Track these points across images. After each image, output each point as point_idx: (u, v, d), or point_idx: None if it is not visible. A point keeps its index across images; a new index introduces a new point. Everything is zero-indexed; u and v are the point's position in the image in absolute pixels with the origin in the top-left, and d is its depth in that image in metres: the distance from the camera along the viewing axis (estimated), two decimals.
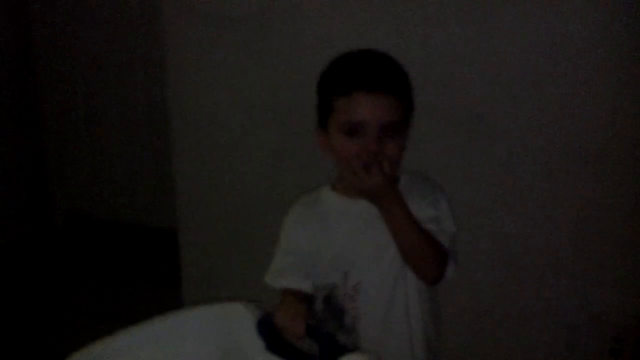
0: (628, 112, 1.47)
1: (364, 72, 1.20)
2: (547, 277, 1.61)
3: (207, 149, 1.96)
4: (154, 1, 2.47)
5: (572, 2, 1.46)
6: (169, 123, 2.02)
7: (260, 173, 1.90)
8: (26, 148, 3.54)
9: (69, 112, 3.56)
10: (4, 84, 3.37)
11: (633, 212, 1.52)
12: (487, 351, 1.71)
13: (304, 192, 1.41)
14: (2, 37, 3.34)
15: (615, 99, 1.47)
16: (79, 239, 3.55)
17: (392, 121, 1.18)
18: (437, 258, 1.19)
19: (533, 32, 1.50)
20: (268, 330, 1.12)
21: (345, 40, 1.61)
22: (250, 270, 1.99)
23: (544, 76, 1.52)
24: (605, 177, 1.52)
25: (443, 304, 1.36)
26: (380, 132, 1.16)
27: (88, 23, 3.36)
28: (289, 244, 1.32)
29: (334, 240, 1.27)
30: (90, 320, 2.63)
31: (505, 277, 1.65)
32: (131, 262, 3.22)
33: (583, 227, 1.56)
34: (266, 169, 1.89)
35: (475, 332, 1.71)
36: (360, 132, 1.17)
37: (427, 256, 1.18)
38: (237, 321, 1.15)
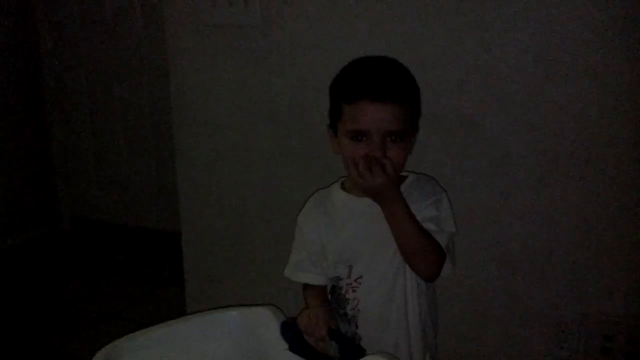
0: (624, 113, 1.49)
1: (370, 80, 1.26)
2: (539, 277, 1.64)
3: (209, 152, 1.98)
4: (156, 7, 2.50)
5: (569, 3, 1.48)
6: (171, 127, 2.06)
7: (262, 175, 1.92)
8: (33, 153, 3.57)
9: (74, 116, 3.58)
10: (10, 87, 3.41)
11: (623, 213, 1.54)
12: (478, 348, 1.75)
13: (304, 194, 1.48)
14: (8, 41, 3.39)
15: (612, 101, 1.49)
16: (85, 242, 3.58)
17: (397, 129, 1.23)
18: (434, 256, 1.25)
19: (528, 33, 1.52)
20: (291, 332, 1.19)
21: (345, 47, 1.64)
22: (252, 271, 2.04)
23: (540, 78, 1.54)
24: (596, 179, 1.54)
25: (437, 301, 1.41)
26: (385, 138, 1.23)
27: (92, 29, 3.39)
28: (302, 238, 1.40)
29: (340, 235, 1.34)
30: (96, 320, 2.67)
31: (497, 276, 1.68)
32: (136, 264, 3.25)
33: (575, 228, 1.59)
34: (267, 172, 1.91)
35: (466, 329, 1.74)
36: (365, 138, 1.23)
37: (424, 253, 1.24)
38: (263, 323, 1.22)
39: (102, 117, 3.53)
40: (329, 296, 1.38)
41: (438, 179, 1.42)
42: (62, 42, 3.51)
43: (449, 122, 1.63)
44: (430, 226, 1.25)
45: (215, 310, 1.28)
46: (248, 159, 1.94)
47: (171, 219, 2.44)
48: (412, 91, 1.30)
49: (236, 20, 1.82)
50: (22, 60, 3.47)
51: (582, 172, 1.55)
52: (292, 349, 1.17)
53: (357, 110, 1.23)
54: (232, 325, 1.24)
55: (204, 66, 1.93)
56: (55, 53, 3.54)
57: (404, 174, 1.34)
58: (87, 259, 3.36)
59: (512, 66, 1.55)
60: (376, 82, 1.25)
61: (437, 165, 1.63)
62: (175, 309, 2.28)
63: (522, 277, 1.66)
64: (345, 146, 1.27)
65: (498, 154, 1.61)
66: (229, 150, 1.96)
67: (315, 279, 1.38)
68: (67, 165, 3.69)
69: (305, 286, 1.41)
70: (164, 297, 2.85)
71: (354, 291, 1.33)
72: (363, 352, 1.13)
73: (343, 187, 1.38)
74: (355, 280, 1.32)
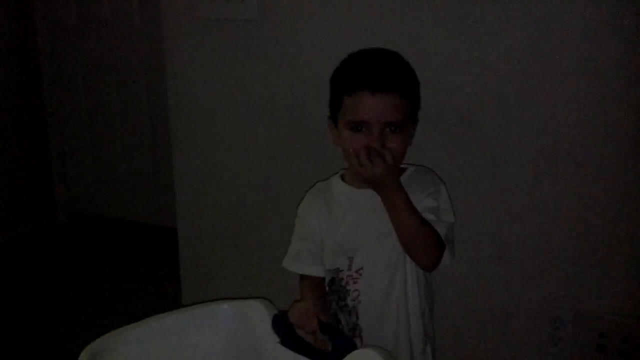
0: (622, 110, 1.49)
1: (369, 72, 1.27)
2: (534, 273, 1.64)
3: (206, 148, 1.98)
4: (154, 4, 2.49)
5: (567, 2, 1.48)
6: (168, 123, 2.06)
7: (258, 171, 1.92)
8: (30, 147, 3.57)
9: (72, 112, 3.58)
10: (9, 84, 3.42)
11: (620, 210, 1.54)
12: (473, 344, 1.75)
13: (302, 190, 1.48)
14: (7, 37, 3.39)
15: (610, 98, 1.49)
16: (81, 236, 3.58)
17: (396, 120, 1.24)
18: (434, 245, 1.26)
19: (526, 33, 1.52)
20: (282, 325, 1.18)
21: (343, 43, 1.63)
22: (247, 267, 2.04)
23: (538, 77, 1.54)
24: (594, 178, 1.54)
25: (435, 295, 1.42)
26: (384, 129, 1.24)
27: (90, 25, 3.39)
28: (302, 229, 1.41)
29: (340, 227, 1.35)
30: (91, 315, 2.67)
31: (493, 273, 1.68)
32: (132, 259, 3.25)
33: (571, 225, 1.59)
34: (263, 167, 1.91)
35: (462, 325, 1.74)
36: (364, 129, 1.24)
37: (423, 243, 1.25)
38: (254, 316, 1.22)
39: (99, 112, 3.53)
40: (327, 288, 1.38)
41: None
42: (60, 39, 3.51)
43: (447, 120, 1.64)
44: (429, 216, 1.26)
45: (206, 303, 1.28)
46: (245, 155, 1.94)
47: (167, 214, 2.43)
48: (412, 83, 1.31)
49: (233, 15, 1.82)
50: (20, 57, 3.47)
51: (580, 170, 1.55)
52: (284, 342, 1.17)
53: (356, 102, 1.25)
54: (224, 318, 1.24)
55: (201, 62, 1.93)
56: (54, 50, 3.54)
57: (404, 166, 1.35)
58: (84, 254, 3.36)
59: (510, 64, 1.55)
60: (375, 73, 1.26)
61: (435, 162, 1.62)
62: (172, 304, 2.27)
63: (517, 274, 1.66)
64: (345, 137, 1.28)
65: (496, 151, 1.62)
66: (226, 146, 1.96)
67: (314, 270, 1.39)
68: (64, 160, 3.69)
69: (302, 278, 1.42)
70: (160, 292, 2.85)
71: (354, 282, 1.33)
72: (354, 346, 1.13)
73: (343, 179, 1.39)
74: (356, 272, 1.33)
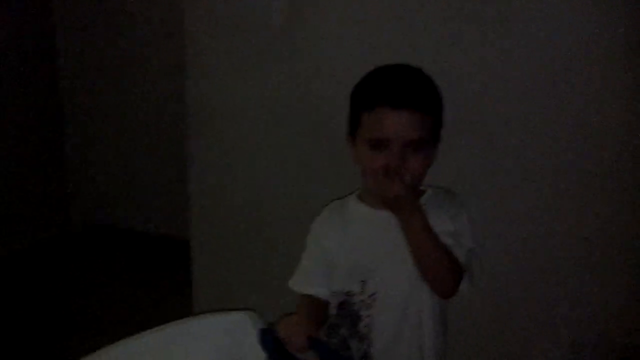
0: (628, 112, 1.47)
1: (390, 88, 1.23)
2: (554, 292, 1.60)
3: (223, 157, 1.96)
4: (175, 9, 2.47)
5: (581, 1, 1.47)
6: (185, 132, 2.03)
7: (275, 182, 1.90)
8: (46, 154, 3.58)
9: (89, 120, 3.61)
10: (27, 91, 3.43)
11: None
12: None
13: (319, 202, 1.44)
14: (25, 42, 3.39)
15: (623, 102, 1.47)
16: (95, 246, 3.57)
17: (417, 138, 1.20)
18: (452, 271, 1.20)
19: (539, 35, 1.50)
20: (271, 341, 1.12)
21: (367, 52, 1.63)
22: (261, 280, 2.00)
23: (551, 80, 1.52)
24: (618, 190, 1.51)
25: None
26: (405, 147, 1.19)
27: (111, 30, 3.42)
28: (315, 249, 1.36)
29: (355, 248, 1.30)
30: (103, 326, 2.65)
31: (510, 290, 1.64)
32: (145, 270, 3.24)
33: (593, 241, 1.55)
34: (282, 178, 1.88)
35: (477, 346, 1.69)
36: (384, 146, 1.20)
37: (442, 269, 1.19)
38: (241, 331, 1.16)
39: (115, 122, 3.56)
40: (335, 311, 1.32)
41: (444, 183, 1.38)
42: (79, 44, 3.53)
43: (456, 127, 1.59)
44: (448, 240, 1.21)
45: (191, 317, 1.23)
46: (262, 165, 1.92)
47: (181, 226, 2.41)
48: (434, 100, 1.26)
49: (259, 20, 1.79)
50: (38, 61, 3.49)
51: (605, 180, 1.52)
52: (272, 358, 1.11)
53: (376, 118, 1.21)
54: (209, 332, 1.18)
55: (222, 68, 1.90)
56: (72, 55, 3.56)
57: (423, 187, 1.30)
58: (97, 263, 3.36)
59: (520, 71, 1.54)
60: (396, 89, 1.22)
61: (446, 169, 1.59)
62: (184, 316, 2.24)
63: (535, 291, 1.62)
64: (363, 155, 1.24)
65: (510, 158, 1.59)
66: (243, 156, 1.94)
67: (321, 292, 1.32)
68: (79, 170, 3.70)
69: (303, 296, 1.34)
70: (173, 303, 2.81)
71: (367, 308, 1.28)
72: None
73: (360, 199, 1.35)
74: (370, 297, 1.28)
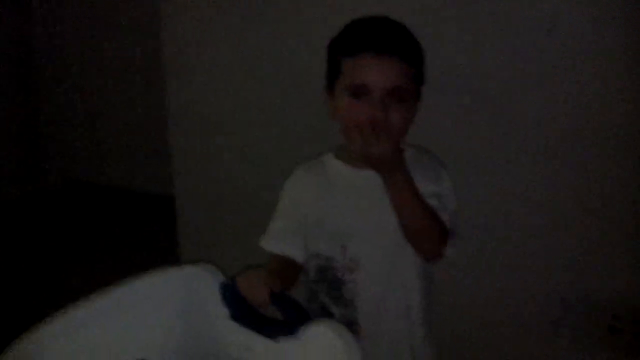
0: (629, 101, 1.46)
1: (373, 34, 1.17)
2: (542, 253, 1.60)
3: (204, 115, 1.93)
4: None
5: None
6: (164, 85, 1.98)
7: (258, 139, 1.87)
8: (22, 111, 3.51)
9: (64, 77, 3.54)
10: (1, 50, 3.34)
11: (633, 198, 1.50)
12: (478, 331, 1.70)
13: (301, 160, 1.36)
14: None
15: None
16: (75, 203, 3.52)
17: (399, 86, 1.14)
18: (438, 234, 1.17)
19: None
20: (231, 295, 1.06)
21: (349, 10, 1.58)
22: (248, 236, 1.96)
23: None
24: (606, 162, 1.51)
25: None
26: (386, 96, 1.13)
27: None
28: (288, 207, 1.29)
29: (334, 210, 1.23)
30: (86, 285, 2.62)
31: (499, 252, 1.64)
32: (128, 228, 3.21)
33: (582, 208, 1.55)
34: (263, 136, 1.86)
35: (465, 306, 1.70)
36: (366, 94, 1.14)
37: (428, 231, 1.16)
38: (200, 285, 1.09)
39: (92, 76, 3.49)
40: (314, 276, 1.26)
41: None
42: (52, 3, 3.43)
43: (453, 99, 1.59)
44: (433, 202, 1.17)
45: (149, 272, 1.12)
46: (247, 120, 1.88)
47: (163, 182, 2.37)
48: (417, 51, 1.21)
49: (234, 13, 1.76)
50: (11, 18, 3.40)
51: (594, 153, 1.51)
52: (234, 316, 1.05)
53: (358, 64, 1.14)
54: (168, 286, 1.10)
55: (199, 26, 1.86)
56: (45, 13, 3.47)
57: (402, 146, 1.22)
58: (76, 221, 3.31)
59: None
60: (380, 36, 1.16)
61: (439, 142, 1.56)
62: None
63: (524, 261, 1.62)
64: (344, 105, 1.17)
65: (502, 135, 1.58)
66: (226, 112, 1.91)
67: (297, 253, 1.24)
68: (56, 125, 3.64)
69: (274, 257, 1.25)
70: (156, 262, 2.80)
71: (350, 272, 1.23)
72: (308, 317, 1.02)
73: (337, 157, 1.28)
74: (351, 261, 1.22)
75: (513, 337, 1.68)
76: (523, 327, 1.66)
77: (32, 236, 3.12)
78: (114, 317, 1.07)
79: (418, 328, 1.26)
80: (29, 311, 2.39)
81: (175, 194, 2.05)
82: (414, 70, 1.18)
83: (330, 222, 1.23)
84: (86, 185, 3.60)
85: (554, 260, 1.59)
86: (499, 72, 1.55)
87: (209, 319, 1.08)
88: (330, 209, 1.23)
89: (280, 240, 1.26)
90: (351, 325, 1.22)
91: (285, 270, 1.22)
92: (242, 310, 1.05)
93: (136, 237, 3.08)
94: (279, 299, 1.05)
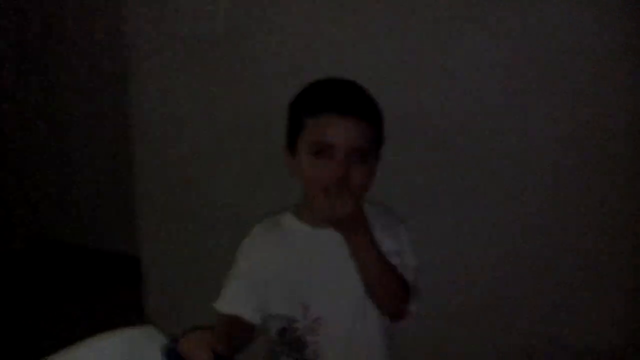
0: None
1: (336, 95, 1.19)
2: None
3: (170, 173, 1.92)
4: (117, 18, 2.40)
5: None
6: (131, 144, 1.97)
7: (226, 192, 1.86)
8: None
9: (32, 131, 3.48)
10: None
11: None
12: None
13: (268, 212, 1.36)
14: None
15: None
16: (40, 262, 3.44)
17: (361, 147, 1.15)
18: (402, 293, 1.17)
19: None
20: (173, 357, 1.03)
21: (311, 58, 1.61)
22: (213, 296, 1.94)
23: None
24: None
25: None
26: (349, 156, 1.14)
27: (53, 39, 3.29)
28: (244, 269, 1.27)
29: (293, 269, 1.22)
30: (50, 346, 2.55)
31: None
32: (94, 287, 3.13)
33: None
34: (232, 187, 1.85)
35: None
36: (328, 154, 1.14)
37: (392, 290, 1.16)
38: (143, 349, 1.06)
39: (57, 132, 3.43)
40: (276, 337, 1.24)
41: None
42: (23, 53, 3.38)
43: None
44: (395, 260, 1.18)
45: (92, 337, 1.10)
46: (211, 176, 1.87)
47: (131, 241, 2.33)
48: (378, 113, 1.23)
49: (201, 30, 1.75)
50: None
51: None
52: None
53: (322, 123, 1.16)
54: (109, 350, 1.07)
55: (165, 78, 1.86)
56: (16, 64, 3.40)
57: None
58: (41, 280, 3.23)
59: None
60: (343, 97, 1.19)
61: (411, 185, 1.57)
62: None
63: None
64: (305, 164, 1.17)
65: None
66: (191, 167, 1.90)
67: (250, 314, 1.22)
68: (22, 184, 3.55)
69: (224, 317, 1.23)
70: (121, 321, 2.74)
71: (313, 334, 1.21)
72: None
73: (295, 215, 1.27)
74: (314, 321, 1.21)
75: None
76: None
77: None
78: None
79: None
80: None
81: (142, 254, 2.02)
82: (375, 131, 1.20)
83: (290, 281, 1.22)
84: (52, 243, 3.53)
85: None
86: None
87: None
88: (290, 268, 1.23)
89: (232, 301, 1.24)
90: None
91: (235, 331, 1.20)
92: None
93: (103, 296, 3.01)
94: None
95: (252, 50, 1.73)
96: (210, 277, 1.88)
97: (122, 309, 2.80)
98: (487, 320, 1.62)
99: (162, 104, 1.88)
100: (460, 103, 1.58)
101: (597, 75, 1.48)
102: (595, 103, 1.49)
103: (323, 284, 1.20)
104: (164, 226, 1.96)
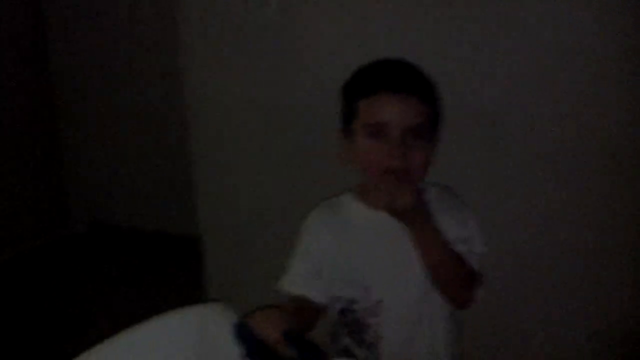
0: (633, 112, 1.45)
1: (389, 74, 1.18)
2: (556, 292, 1.60)
3: (227, 154, 1.94)
4: (169, 6, 2.43)
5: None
6: (188, 129, 2.01)
7: (280, 177, 1.88)
8: (44, 156, 3.53)
9: (86, 120, 3.56)
10: (21, 91, 3.37)
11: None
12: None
13: (324, 196, 1.36)
14: (18, 41, 3.33)
15: (622, 99, 1.46)
16: (101, 246, 3.54)
17: (417, 125, 1.13)
18: (467, 281, 1.15)
19: (544, 31, 1.49)
20: (245, 335, 1.04)
21: (361, 44, 1.62)
22: (275, 275, 1.97)
23: (555, 76, 1.50)
24: (618, 190, 1.51)
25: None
26: (405, 135, 1.12)
27: (103, 29, 3.36)
28: (308, 249, 1.26)
29: (355, 252, 1.22)
30: (111, 329, 2.62)
31: (513, 289, 1.64)
32: (154, 270, 3.21)
33: (593, 242, 1.55)
34: (286, 173, 1.87)
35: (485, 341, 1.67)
36: (384, 134, 1.13)
37: (457, 279, 1.14)
38: (214, 325, 1.07)
39: (113, 118, 3.50)
40: (336, 318, 1.24)
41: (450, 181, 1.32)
42: (72, 42, 3.47)
43: (460, 124, 1.57)
44: (461, 248, 1.15)
45: (162, 314, 1.12)
46: (267, 159, 1.89)
47: (188, 223, 2.38)
48: (432, 90, 1.20)
49: (254, 18, 1.76)
50: (31, 61, 3.43)
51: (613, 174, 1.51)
52: (248, 355, 1.02)
53: (376, 103, 1.14)
54: (180, 327, 1.08)
55: (219, 66, 1.88)
56: (65, 53, 3.50)
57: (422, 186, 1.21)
58: (103, 264, 3.32)
59: (525, 66, 1.52)
60: (397, 75, 1.17)
61: (449, 167, 1.56)
62: None
63: (540, 290, 1.62)
64: (361, 147, 1.16)
65: (515, 156, 1.57)
66: (247, 150, 1.92)
67: (318, 296, 1.21)
68: (79, 169, 3.65)
69: (292, 299, 1.23)
70: (182, 303, 2.80)
71: (374, 316, 1.20)
72: (325, 357, 1.00)
73: (357, 198, 1.26)
74: (376, 304, 1.20)
75: None
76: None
77: (54, 283, 3.14)
78: (129, 356, 1.07)
79: None
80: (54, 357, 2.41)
81: (202, 235, 2.06)
82: (431, 110, 1.17)
83: (352, 264, 1.21)
84: (111, 228, 3.62)
85: (566, 303, 1.59)
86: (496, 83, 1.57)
87: (223, 359, 1.06)
88: (351, 250, 1.22)
89: (299, 282, 1.24)
90: (314, 343, 1.14)
91: (303, 311, 1.20)
92: (255, 349, 1.02)
93: (162, 278, 3.08)
94: (293, 338, 1.03)
95: (304, 38, 1.74)
96: (269, 255, 1.94)
97: (183, 289, 2.89)
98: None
99: (215, 89, 1.90)
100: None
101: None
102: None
103: (385, 267, 1.19)
104: (222, 206, 1.99)
